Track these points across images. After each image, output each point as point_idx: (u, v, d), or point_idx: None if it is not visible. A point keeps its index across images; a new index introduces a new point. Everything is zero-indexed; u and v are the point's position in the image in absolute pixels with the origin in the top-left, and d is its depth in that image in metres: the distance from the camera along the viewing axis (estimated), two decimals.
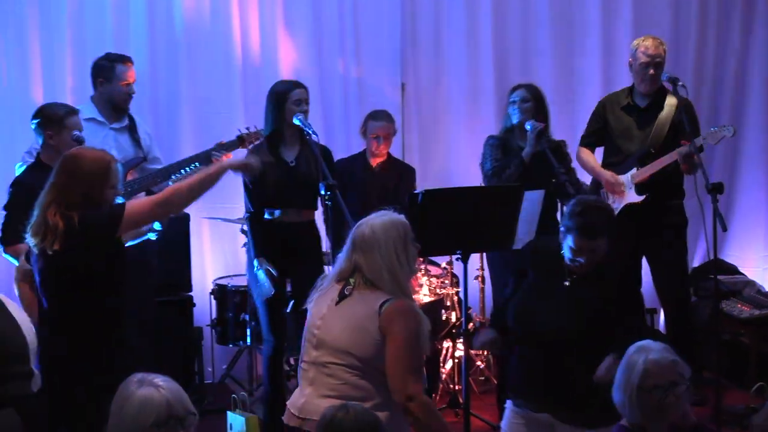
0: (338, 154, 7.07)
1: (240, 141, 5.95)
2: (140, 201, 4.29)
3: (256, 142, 5.88)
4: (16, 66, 6.86)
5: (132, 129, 5.99)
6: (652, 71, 6.23)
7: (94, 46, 6.70)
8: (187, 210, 6.76)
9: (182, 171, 5.72)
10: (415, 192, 4.85)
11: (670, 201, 6.32)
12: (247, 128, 5.99)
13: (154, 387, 2.96)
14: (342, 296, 3.72)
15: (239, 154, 5.81)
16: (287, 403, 3.86)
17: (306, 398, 3.70)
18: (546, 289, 4.28)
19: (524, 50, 7.69)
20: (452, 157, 7.59)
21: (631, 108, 6.37)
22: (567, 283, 4.23)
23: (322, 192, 5.22)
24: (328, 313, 3.73)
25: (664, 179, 6.21)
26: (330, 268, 4.20)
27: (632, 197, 6.23)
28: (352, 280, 3.72)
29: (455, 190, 5.53)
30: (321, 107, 7.27)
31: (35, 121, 5.26)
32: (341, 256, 3.80)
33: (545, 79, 7.56)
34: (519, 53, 7.69)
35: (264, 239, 5.64)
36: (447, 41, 7.62)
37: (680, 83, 6.06)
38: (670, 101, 6.28)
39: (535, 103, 6.03)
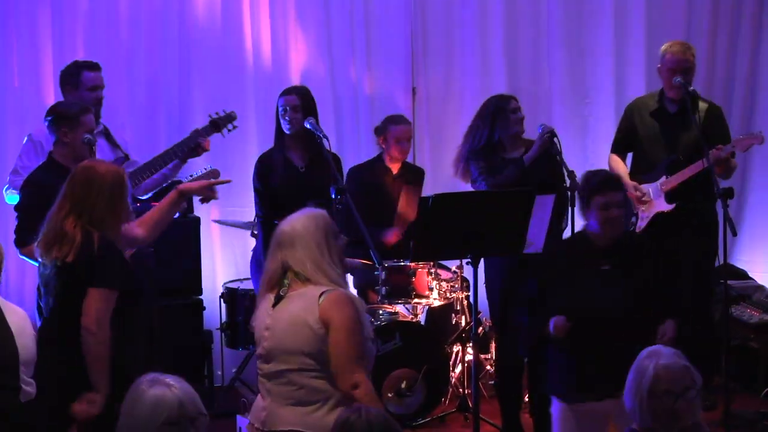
0: (348, 157, 7.08)
1: (214, 125, 5.98)
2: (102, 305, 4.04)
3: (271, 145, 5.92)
4: (27, 69, 6.88)
5: (107, 134, 5.99)
6: (679, 78, 6.01)
7: (106, 49, 6.72)
8: (197, 213, 6.81)
9: (162, 170, 5.77)
10: (426, 196, 4.85)
11: (699, 203, 6.18)
12: (217, 113, 6.02)
13: (166, 386, 2.96)
14: (278, 299, 3.68)
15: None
16: (249, 416, 3.86)
17: (267, 411, 3.68)
18: (588, 278, 4.46)
19: (535, 55, 7.67)
20: None
21: (660, 113, 6.20)
22: (606, 268, 4.43)
23: (333, 196, 5.21)
24: (270, 321, 3.68)
25: (692, 181, 6.09)
26: None
27: (662, 206, 6.12)
28: (286, 281, 3.67)
29: (466, 194, 5.53)
30: (332, 112, 7.27)
31: (49, 119, 5.22)
32: (267, 260, 3.75)
33: (556, 83, 7.56)
34: (530, 57, 7.66)
35: None
36: (458, 46, 7.61)
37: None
38: (702, 107, 6.14)
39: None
